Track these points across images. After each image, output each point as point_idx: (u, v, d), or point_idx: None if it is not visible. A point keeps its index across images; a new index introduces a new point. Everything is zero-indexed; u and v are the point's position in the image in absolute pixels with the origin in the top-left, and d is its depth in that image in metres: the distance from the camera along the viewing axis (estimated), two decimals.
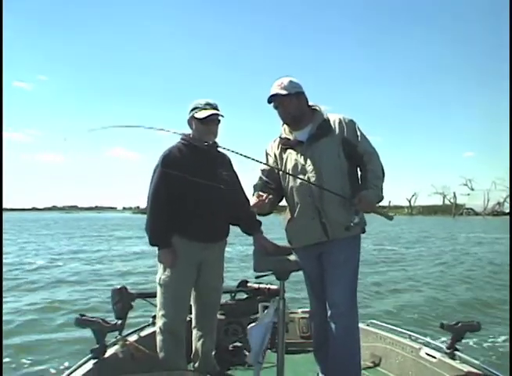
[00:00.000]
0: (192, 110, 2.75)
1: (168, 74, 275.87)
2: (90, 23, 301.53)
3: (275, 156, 2.67)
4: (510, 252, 11.13)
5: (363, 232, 2.56)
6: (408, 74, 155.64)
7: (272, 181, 2.63)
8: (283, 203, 2.71)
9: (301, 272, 2.56)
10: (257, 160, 2.55)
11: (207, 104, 2.73)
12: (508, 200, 72.61)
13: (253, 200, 2.49)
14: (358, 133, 2.55)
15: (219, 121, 2.76)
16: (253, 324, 2.28)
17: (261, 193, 2.47)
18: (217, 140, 2.81)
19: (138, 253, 16.09)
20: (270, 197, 2.47)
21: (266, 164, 2.67)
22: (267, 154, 2.73)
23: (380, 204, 2.56)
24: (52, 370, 4.50)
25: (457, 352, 2.64)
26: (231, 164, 2.94)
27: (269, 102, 2.56)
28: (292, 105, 2.54)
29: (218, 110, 2.74)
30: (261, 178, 2.67)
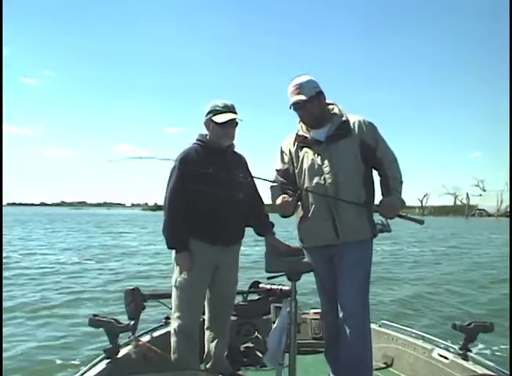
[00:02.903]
0: (210, 112, 2.72)
1: (176, 70, 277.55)
2: (97, 18, 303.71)
3: (290, 153, 2.63)
4: (510, 252, 10.92)
5: (375, 236, 2.55)
6: (411, 73, 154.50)
7: (289, 182, 2.60)
8: None
9: (312, 274, 2.56)
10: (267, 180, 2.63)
11: (225, 107, 2.70)
12: None
13: (278, 201, 2.48)
14: (378, 137, 2.53)
15: (237, 123, 2.74)
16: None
17: (285, 195, 2.47)
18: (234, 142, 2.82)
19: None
20: (293, 199, 2.47)
21: (282, 162, 2.66)
22: (282, 152, 2.68)
23: None
24: (65, 370, 4.52)
25: (470, 353, 2.62)
26: (247, 166, 2.93)
27: (291, 108, 2.53)
28: (314, 108, 2.51)
29: (235, 112, 2.72)
30: (277, 178, 2.65)
